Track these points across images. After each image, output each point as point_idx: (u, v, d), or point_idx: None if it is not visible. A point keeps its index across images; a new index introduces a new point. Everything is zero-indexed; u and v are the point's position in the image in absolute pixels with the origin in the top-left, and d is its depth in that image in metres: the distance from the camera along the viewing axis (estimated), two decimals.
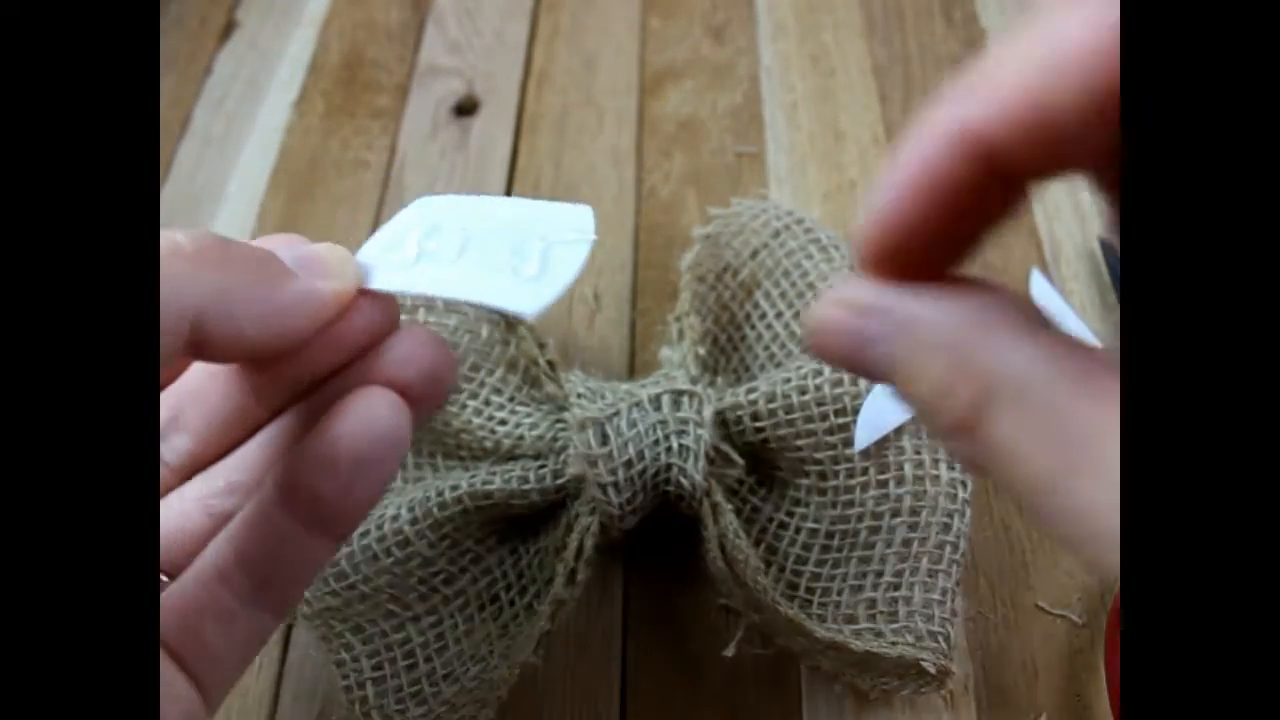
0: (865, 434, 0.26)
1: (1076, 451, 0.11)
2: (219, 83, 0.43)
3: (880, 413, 0.26)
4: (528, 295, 0.18)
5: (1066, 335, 0.13)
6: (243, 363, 0.19)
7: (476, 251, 0.19)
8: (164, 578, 0.19)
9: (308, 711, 0.28)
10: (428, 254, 0.19)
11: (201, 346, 0.16)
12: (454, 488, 0.26)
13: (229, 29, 0.45)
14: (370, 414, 0.17)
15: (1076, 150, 0.12)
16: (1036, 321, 0.13)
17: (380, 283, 0.18)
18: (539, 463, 0.27)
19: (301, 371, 0.19)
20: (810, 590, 0.26)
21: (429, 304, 0.28)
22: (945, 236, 0.13)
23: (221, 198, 0.39)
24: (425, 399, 0.19)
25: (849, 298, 0.14)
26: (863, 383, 0.26)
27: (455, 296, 0.18)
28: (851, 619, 0.25)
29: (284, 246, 0.18)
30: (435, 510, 0.26)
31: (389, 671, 0.24)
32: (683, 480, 0.26)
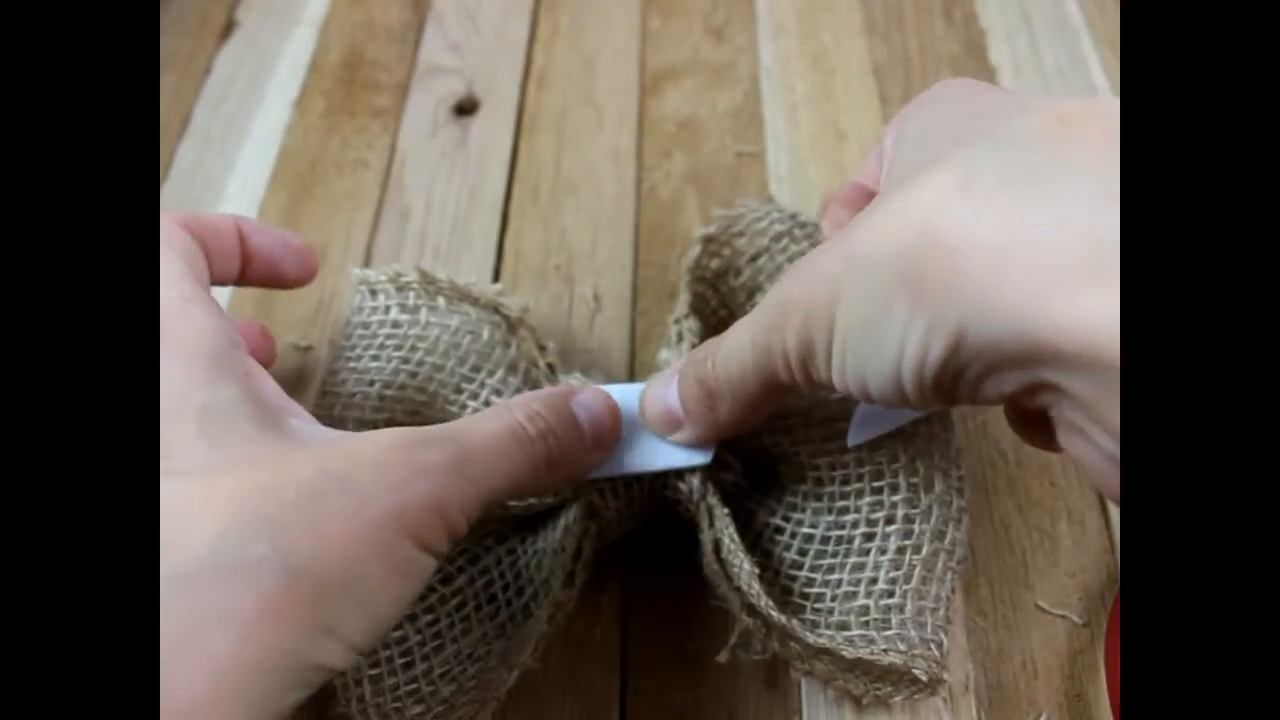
0: (856, 434, 0.26)
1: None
2: (219, 83, 0.43)
3: (872, 416, 0.26)
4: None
5: None
6: None
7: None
8: None
9: (305, 710, 0.28)
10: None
11: None
12: None
13: (229, 29, 0.46)
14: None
15: None
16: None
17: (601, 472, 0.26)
18: None
19: None
20: (804, 596, 0.26)
21: (431, 305, 0.28)
22: None
23: (221, 197, 0.39)
24: None
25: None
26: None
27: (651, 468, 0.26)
28: (844, 626, 0.25)
29: (600, 410, 0.24)
30: None
31: (386, 670, 0.24)
32: (679, 484, 0.26)
